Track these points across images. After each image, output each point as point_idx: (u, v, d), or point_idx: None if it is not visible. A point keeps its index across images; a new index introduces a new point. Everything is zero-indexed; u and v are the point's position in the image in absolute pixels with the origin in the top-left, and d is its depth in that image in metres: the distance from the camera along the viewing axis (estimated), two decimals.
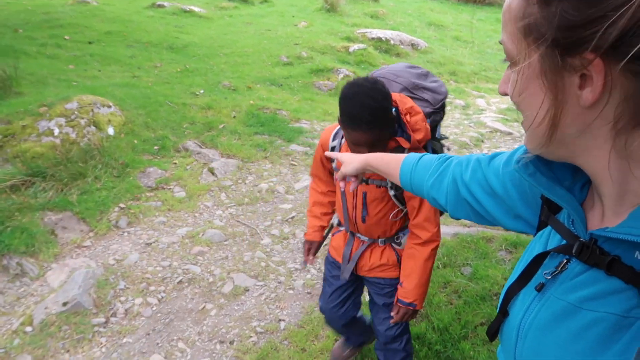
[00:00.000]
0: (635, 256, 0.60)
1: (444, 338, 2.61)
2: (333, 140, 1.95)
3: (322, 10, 10.90)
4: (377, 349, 2.25)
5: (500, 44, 0.67)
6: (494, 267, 3.18)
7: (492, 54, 10.37)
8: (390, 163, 1.22)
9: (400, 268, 1.96)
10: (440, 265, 3.24)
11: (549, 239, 0.79)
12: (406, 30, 10.12)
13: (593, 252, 0.65)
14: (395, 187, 1.86)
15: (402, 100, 1.76)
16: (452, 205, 1.05)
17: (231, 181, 4.46)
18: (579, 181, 0.76)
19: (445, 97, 1.93)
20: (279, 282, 3.18)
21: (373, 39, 8.83)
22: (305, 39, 8.63)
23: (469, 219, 1.03)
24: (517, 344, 0.74)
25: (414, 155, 1.17)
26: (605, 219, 0.67)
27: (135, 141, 4.62)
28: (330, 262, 2.18)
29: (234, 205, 4.09)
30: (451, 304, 2.89)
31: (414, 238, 1.88)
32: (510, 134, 6.19)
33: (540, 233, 0.84)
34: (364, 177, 1.78)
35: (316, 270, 3.32)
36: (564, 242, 0.73)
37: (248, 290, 3.09)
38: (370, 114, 1.61)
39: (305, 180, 4.49)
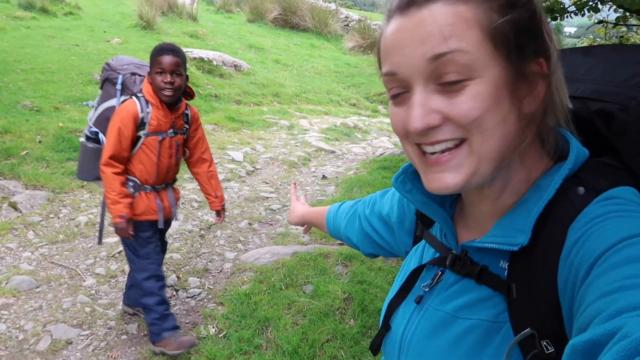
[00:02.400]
0: (500, 265, 0.65)
1: None
2: (141, 112, 2.43)
3: (138, 27, 10.30)
4: None
5: (439, 56, 0.57)
6: (333, 282, 3.29)
7: (311, 77, 10.98)
8: (320, 213, 1.27)
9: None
10: (283, 287, 3.24)
11: (424, 252, 0.82)
12: (227, 52, 10.13)
13: (464, 263, 0.69)
14: (187, 133, 2.68)
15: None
16: (360, 242, 1.08)
17: (40, 216, 3.87)
18: (449, 197, 0.80)
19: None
20: (109, 328, 2.82)
21: (195, 58, 8.63)
22: None
23: (378, 254, 1.07)
24: (399, 356, 0.75)
25: (336, 204, 1.23)
26: (477, 231, 0.72)
27: None
28: (145, 226, 2.59)
29: (46, 245, 3.54)
30: (297, 324, 2.90)
31: (205, 164, 2.80)
32: (333, 152, 6.57)
33: (415, 248, 0.87)
34: (175, 129, 2.57)
35: None
36: (438, 254, 0.77)
37: (71, 343, 2.67)
38: (175, 47, 2.45)
39: None
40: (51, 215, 3.92)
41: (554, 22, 4.50)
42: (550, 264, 0.58)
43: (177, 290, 3.25)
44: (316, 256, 3.60)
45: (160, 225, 2.63)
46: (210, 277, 3.43)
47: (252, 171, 5.60)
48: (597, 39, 7.22)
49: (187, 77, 2.52)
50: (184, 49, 9.39)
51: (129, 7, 11.97)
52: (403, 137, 0.65)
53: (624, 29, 5.81)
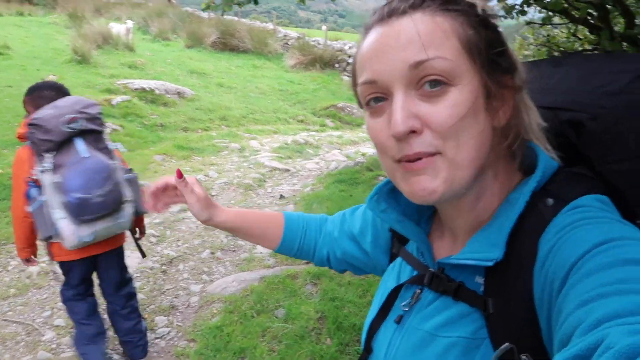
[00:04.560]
0: (476, 280, 0.65)
1: None
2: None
3: (73, 62, 9.98)
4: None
5: (420, 63, 0.58)
6: (305, 302, 3.26)
7: (256, 98, 10.97)
8: (259, 216, 1.09)
9: None
10: (255, 314, 3.18)
11: (400, 270, 0.82)
12: (169, 79, 9.97)
13: (441, 280, 0.69)
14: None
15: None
16: (334, 263, 1.05)
17: None
18: (424, 214, 0.81)
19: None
20: None
21: (137, 89, 8.44)
22: None
23: (354, 272, 1.05)
24: None
25: (293, 214, 1.10)
26: (453, 248, 0.73)
27: None
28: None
29: None
30: (273, 351, 2.85)
31: None
32: (287, 170, 6.56)
33: (391, 266, 0.87)
34: None
35: (119, 355, 2.89)
36: (415, 272, 0.77)
37: None
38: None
39: None
40: None
41: None
42: (524, 276, 0.58)
43: None
44: (284, 278, 3.56)
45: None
46: (178, 314, 3.32)
47: None
48: (526, 39, 7.63)
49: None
50: (124, 81, 9.11)
51: (61, 42, 11.59)
52: (382, 150, 0.65)
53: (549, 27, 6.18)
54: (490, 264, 0.60)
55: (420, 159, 0.61)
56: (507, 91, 0.63)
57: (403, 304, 0.75)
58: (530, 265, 0.58)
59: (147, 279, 3.71)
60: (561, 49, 6.10)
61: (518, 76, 0.63)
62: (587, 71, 0.72)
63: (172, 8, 17.45)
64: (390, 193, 0.79)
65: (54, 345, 2.95)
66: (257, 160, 6.83)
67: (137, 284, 3.61)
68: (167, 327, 3.17)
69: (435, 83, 0.58)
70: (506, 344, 0.57)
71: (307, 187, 5.80)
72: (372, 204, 0.79)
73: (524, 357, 0.56)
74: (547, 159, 0.65)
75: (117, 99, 7.68)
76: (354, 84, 0.68)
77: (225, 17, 14.90)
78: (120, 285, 2.70)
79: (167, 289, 3.60)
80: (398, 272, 0.82)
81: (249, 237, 1.07)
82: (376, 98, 0.63)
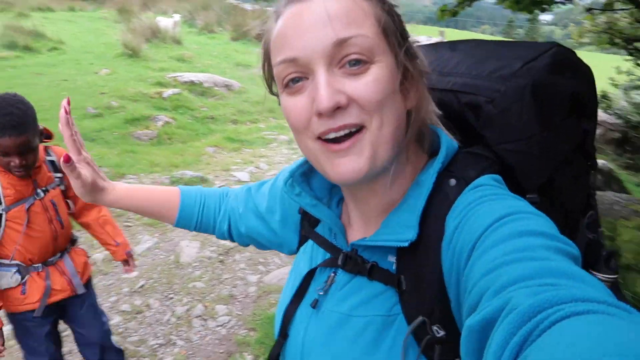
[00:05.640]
0: (388, 259, 0.68)
1: None
2: None
3: (124, 56, 10.27)
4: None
5: (343, 41, 0.59)
6: None
7: None
8: (150, 192, 1.04)
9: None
10: None
11: (312, 253, 0.83)
12: (216, 72, 10.11)
13: (355, 262, 0.71)
14: (63, 182, 2.07)
15: None
16: (236, 237, 1.04)
17: None
18: (334, 197, 0.83)
19: None
20: None
21: (186, 82, 8.60)
22: (111, 87, 7.99)
23: (258, 247, 1.05)
24: None
25: (192, 189, 1.08)
26: (365, 230, 0.74)
27: None
28: (29, 319, 2.04)
29: None
30: None
31: (93, 211, 2.23)
32: None
33: (302, 249, 0.89)
34: (42, 186, 2.00)
35: (183, 341, 2.98)
36: (328, 255, 0.78)
37: None
38: (18, 120, 1.75)
39: (148, 241, 4.07)
40: None
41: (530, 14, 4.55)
42: (433, 253, 0.61)
43: (205, 320, 3.20)
44: None
45: (39, 314, 2.02)
46: (237, 303, 3.39)
47: None
48: (578, 25, 7.31)
49: (40, 131, 1.93)
50: (174, 74, 9.27)
51: (112, 37, 11.93)
52: (301, 131, 0.65)
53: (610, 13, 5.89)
54: (405, 244, 0.63)
55: (345, 138, 0.61)
56: (417, 74, 0.67)
57: (318, 287, 0.76)
58: (438, 242, 0.61)
59: (205, 268, 3.80)
60: (624, 35, 5.82)
61: (422, 63, 0.67)
62: (481, 57, 0.75)
63: (217, 1, 17.67)
64: (303, 177, 0.81)
65: (121, 329, 3.07)
66: None
67: (196, 273, 3.70)
68: (227, 315, 3.24)
69: (356, 62, 0.59)
70: (419, 318, 0.61)
71: None
72: (287, 189, 0.80)
73: (435, 327, 0.60)
74: (449, 140, 0.69)
75: (167, 91, 7.86)
76: (266, 65, 0.70)
77: (269, 8, 14.97)
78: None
79: (225, 279, 3.67)
80: (310, 255, 0.83)
81: (146, 215, 1.04)
82: (295, 78, 0.62)
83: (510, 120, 0.66)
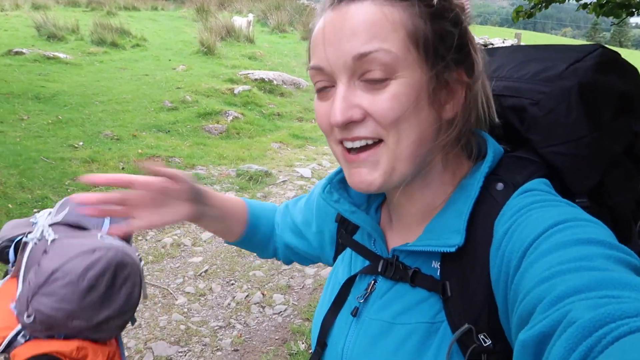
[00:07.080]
0: (432, 265, 0.66)
1: None
2: None
3: (200, 53, 10.75)
4: None
5: (363, 55, 0.58)
6: None
7: None
8: (230, 201, 0.97)
9: None
10: None
11: (351, 262, 0.81)
12: (286, 70, 10.36)
13: (397, 268, 0.69)
14: None
15: None
16: (281, 255, 1.04)
17: None
18: (372, 203, 0.82)
19: None
20: (204, 345, 2.93)
21: (256, 80, 8.89)
22: (187, 82, 8.40)
23: (300, 263, 1.05)
24: None
25: (258, 204, 1.05)
26: (406, 235, 0.73)
27: (10, 205, 4.05)
28: None
29: None
30: None
31: None
32: None
33: (340, 257, 0.86)
34: None
35: (242, 325, 3.13)
36: (367, 262, 0.76)
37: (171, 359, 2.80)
38: None
39: None
40: (139, 237, 4.13)
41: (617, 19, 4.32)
42: (480, 258, 0.60)
43: (263, 307, 3.33)
44: None
45: None
46: (294, 294, 3.50)
47: None
48: None
49: None
50: (245, 71, 9.57)
51: (189, 34, 12.52)
52: (328, 134, 0.66)
53: None
54: (452, 249, 0.61)
55: (362, 150, 0.62)
56: (458, 85, 0.63)
57: (358, 295, 0.75)
58: (486, 247, 0.60)
59: (265, 259, 3.93)
60: None
61: (477, 69, 0.64)
62: (522, 60, 0.74)
63: (289, 1, 18.04)
64: (341, 184, 0.80)
65: (185, 310, 3.26)
66: None
67: (256, 262, 3.85)
68: (284, 304, 3.35)
69: (377, 80, 0.59)
70: (465, 325, 0.59)
71: None
72: (325, 195, 0.79)
73: (481, 336, 0.58)
74: (496, 144, 0.67)
75: (238, 88, 8.16)
76: (308, 63, 0.69)
77: None
78: None
79: (283, 269, 3.80)
80: (349, 263, 0.82)
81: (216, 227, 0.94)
82: (324, 87, 0.64)
83: (557, 122, 0.65)
